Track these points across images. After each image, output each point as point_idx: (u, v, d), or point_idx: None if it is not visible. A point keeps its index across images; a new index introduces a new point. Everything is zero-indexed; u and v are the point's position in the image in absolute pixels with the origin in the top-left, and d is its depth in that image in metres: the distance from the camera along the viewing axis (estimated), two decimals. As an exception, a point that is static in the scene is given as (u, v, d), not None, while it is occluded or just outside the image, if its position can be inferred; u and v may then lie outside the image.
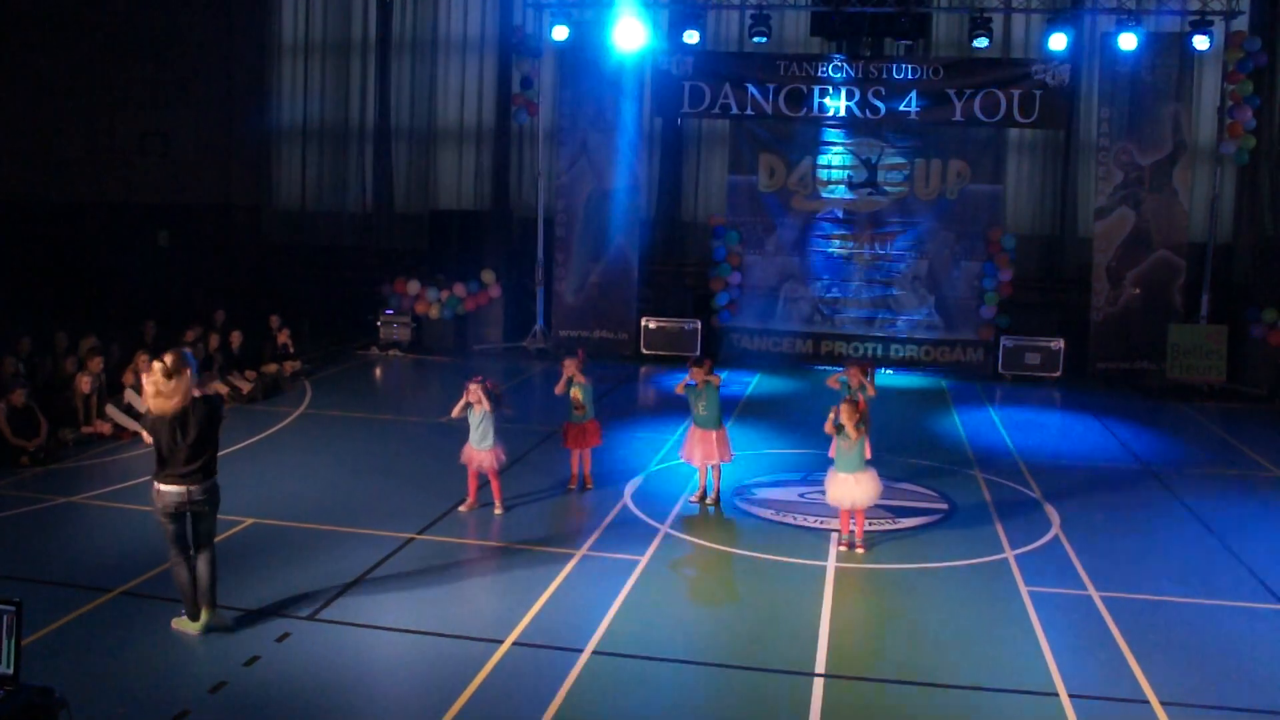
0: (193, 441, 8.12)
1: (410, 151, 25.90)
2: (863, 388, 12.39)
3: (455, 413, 11.63)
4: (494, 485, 11.73)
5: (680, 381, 12.24)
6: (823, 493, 11.21)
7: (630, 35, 20.57)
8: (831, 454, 11.15)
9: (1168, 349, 20.12)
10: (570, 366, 12.42)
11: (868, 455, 10.86)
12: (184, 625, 8.34)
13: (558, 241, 22.65)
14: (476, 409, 11.47)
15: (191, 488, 8.17)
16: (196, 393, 8.25)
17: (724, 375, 12.75)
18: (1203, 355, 19.99)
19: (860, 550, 10.74)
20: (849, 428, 10.56)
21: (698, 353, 21.30)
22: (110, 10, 26.17)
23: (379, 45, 25.64)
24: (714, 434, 12.06)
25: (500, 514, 11.64)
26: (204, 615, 8.34)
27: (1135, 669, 8.14)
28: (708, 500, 12.20)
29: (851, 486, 10.70)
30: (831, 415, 10.74)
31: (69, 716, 5.96)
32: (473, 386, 11.46)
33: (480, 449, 11.54)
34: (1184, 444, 16.38)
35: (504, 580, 9.86)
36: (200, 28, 26.25)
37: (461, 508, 11.75)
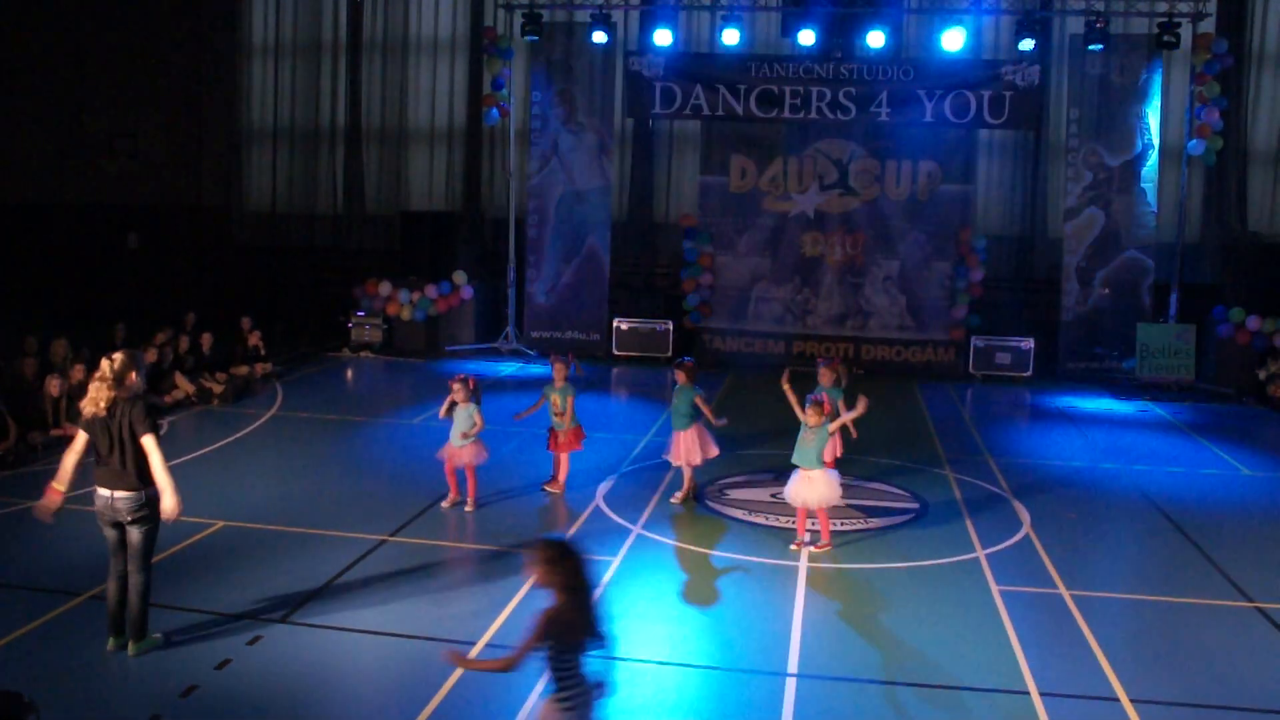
0: (118, 444, 7.81)
1: (381, 152, 25.83)
2: (838, 383, 12.44)
3: (442, 412, 11.71)
4: (470, 482, 11.74)
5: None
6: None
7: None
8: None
9: (1137, 348, 20.27)
10: (559, 372, 12.46)
11: (838, 453, 10.83)
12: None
13: (529, 242, 22.64)
14: (461, 407, 11.53)
15: (116, 493, 7.84)
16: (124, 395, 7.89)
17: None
18: (1171, 354, 20.15)
19: (827, 548, 10.75)
20: (809, 418, 10.58)
21: (669, 353, 21.42)
22: (79, 10, 25.99)
23: (349, 46, 25.57)
24: (692, 431, 12.13)
25: (471, 511, 11.65)
26: (129, 644, 8.00)
27: (1105, 667, 8.20)
28: (673, 497, 12.27)
29: (805, 485, 10.68)
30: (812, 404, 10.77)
31: (38, 721, 5.91)
32: (456, 385, 11.57)
33: (462, 445, 11.59)
34: (1153, 443, 16.49)
35: (477, 582, 9.84)
36: (170, 28, 26.09)
37: (444, 504, 11.80)
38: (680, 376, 12.15)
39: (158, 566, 9.34)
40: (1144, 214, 21.18)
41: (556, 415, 12.33)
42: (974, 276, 21.49)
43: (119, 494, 7.83)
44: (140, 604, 7.99)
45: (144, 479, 7.84)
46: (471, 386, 11.66)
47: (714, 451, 12.35)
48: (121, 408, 7.83)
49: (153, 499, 7.89)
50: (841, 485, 11.05)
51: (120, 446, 7.80)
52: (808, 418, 10.63)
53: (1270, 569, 10.62)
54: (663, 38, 21.21)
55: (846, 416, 11.17)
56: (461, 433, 11.57)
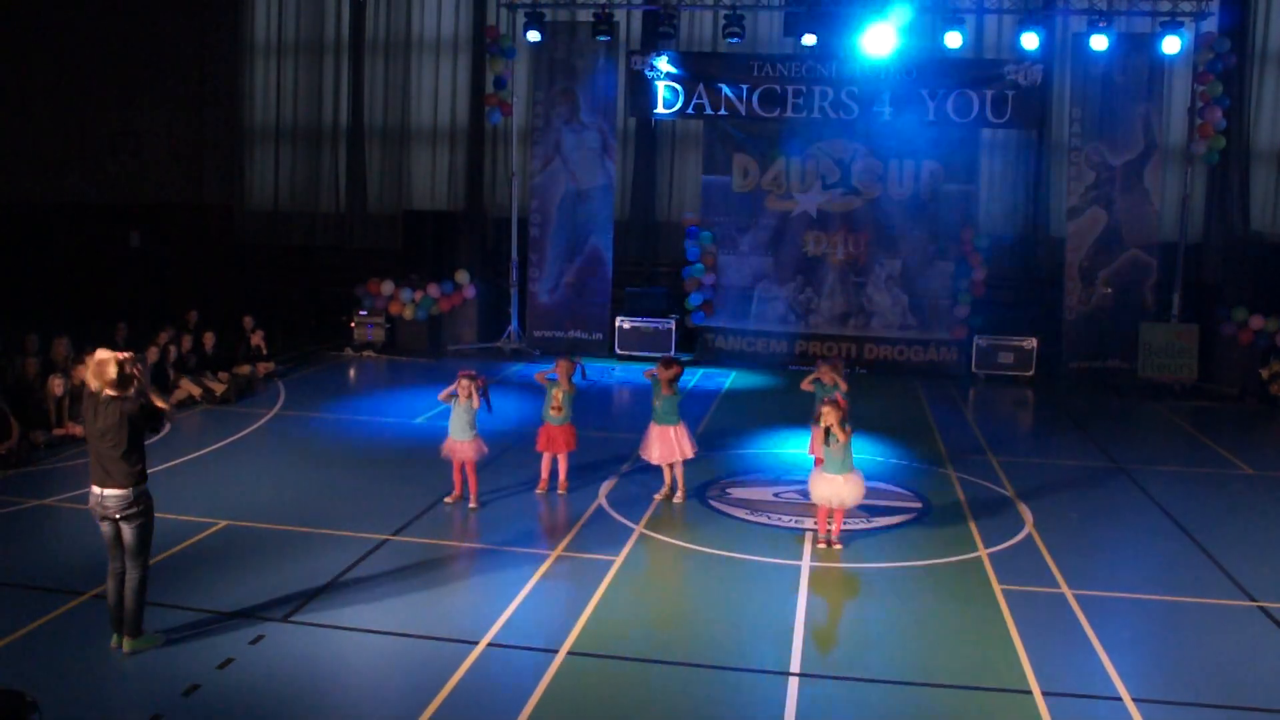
0: (105, 437, 7.78)
1: (384, 151, 25.84)
2: (836, 385, 12.40)
3: (443, 396, 11.77)
4: (471, 480, 11.76)
5: (540, 371, 12.40)
6: (797, 492, 11.25)
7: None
8: (814, 453, 11.14)
9: (1139, 348, 20.25)
10: (563, 369, 12.38)
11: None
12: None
13: (532, 242, 22.63)
14: (462, 401, 11.57)
15: (105, 491, 7.84)
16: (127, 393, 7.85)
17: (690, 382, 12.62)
18: (1174, 354, 20.13)
19: (837, 547, 10.77)
20: (836, 428, 10.57)
21: (671, 352, 21.42)
22: (82, 10, 26.00)
23: (352, 45, 25.58)
24: (671, 430, 12.10)
25: (475, 509, 11.67)
26: (123, 641, 7.98)
27: (1108, 666, 8.19)
28: (674, 498, 12.22)
29: (840, 486, 10.71)
30: (819, 422, 10.76)
31: (40, 720, 5.92)
32: (464, 381, 11.61)
33: (462, 440, 11.65)
34: (1155, 442, 16.49)
35: (479, 581, 9.84)
36: (172, 27, 26.09)
37: (447, 499, 11.87)
38: (662, 375, 12.04)
39: (161, 565, 9.36)
40: (1146, 213, 21.15)
41: (554, 410, 12.30)
42: (976, 275, 21.47)
43: (109, 491, 7.83)
44: (136, 601, 7.97)
45: (134, 477, 7.85)
46: (482, 386, 11.73)
47: (690, 452, 12.28)
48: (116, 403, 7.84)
49: (143, 496, 7.90)
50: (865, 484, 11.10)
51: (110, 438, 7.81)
52: (835, 430, 10.59)
53: (1273, 568, 10.60)
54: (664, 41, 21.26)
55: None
56: (463, 429, 11.66)
